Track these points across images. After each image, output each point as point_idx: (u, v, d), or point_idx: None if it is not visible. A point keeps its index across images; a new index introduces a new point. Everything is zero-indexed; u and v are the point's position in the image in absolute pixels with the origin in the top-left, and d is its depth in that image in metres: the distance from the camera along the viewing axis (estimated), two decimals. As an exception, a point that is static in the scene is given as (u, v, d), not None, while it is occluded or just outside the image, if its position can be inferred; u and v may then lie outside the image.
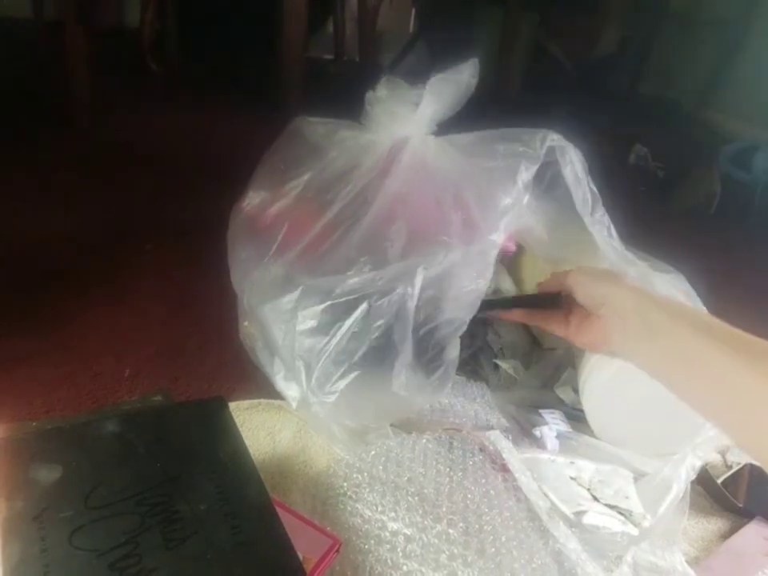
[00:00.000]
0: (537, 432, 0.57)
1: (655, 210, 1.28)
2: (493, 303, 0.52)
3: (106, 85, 1.24)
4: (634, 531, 0.49)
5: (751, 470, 0.58)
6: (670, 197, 1.31)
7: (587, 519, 0.49)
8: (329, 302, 0.47)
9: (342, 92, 1.44)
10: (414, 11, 1.94)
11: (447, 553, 0.45)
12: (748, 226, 1.26)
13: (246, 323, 0.56)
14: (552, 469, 0.53)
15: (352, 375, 0.47)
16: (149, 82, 1.49)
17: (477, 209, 0.51)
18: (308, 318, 0.48)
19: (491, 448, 0.53)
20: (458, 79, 0.52)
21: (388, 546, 0.45)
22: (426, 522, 0.47)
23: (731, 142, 1.45)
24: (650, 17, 1.92)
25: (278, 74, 1.33)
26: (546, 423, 0.58)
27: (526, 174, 0.50)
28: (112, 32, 1.66)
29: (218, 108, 1.43)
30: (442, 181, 0.53)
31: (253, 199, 0.58)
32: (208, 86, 1.58)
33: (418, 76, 0.54)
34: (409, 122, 0.54)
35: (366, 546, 0.45)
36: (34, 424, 0.50)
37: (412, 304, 0.46)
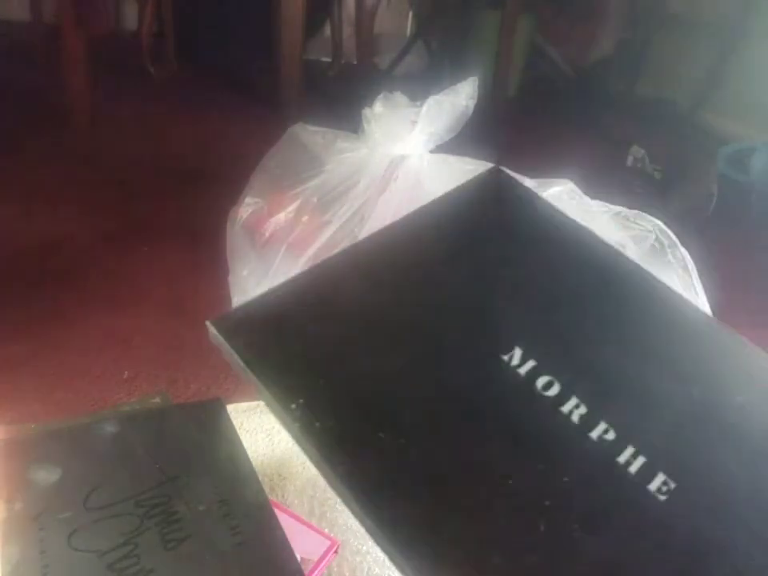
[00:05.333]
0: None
1: (653, 212, 1.29)
2: None
3: (105, 88, 1.24)
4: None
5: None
6: (667, 198, 1.31)
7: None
8: None
9: (340, 94, 1.45)
10: (411, 14, 1.95)
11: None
12: (746, 227, 1.26)
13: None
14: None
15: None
16: (147, 85, 1.49)
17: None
18: None
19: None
20: (456, 101, 0.53)
21: (386, 546, 0.45)
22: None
23: (728, 143, 1.46)
24: (647, 19, 1.92)
25: (276, 76, 1.33)
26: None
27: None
28: (110, 35, 1.66)
29: (216, 110, 1.44)
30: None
31: (250, 207, 0.58)
32: (206, 89, 1.58)
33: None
34: (406, 142, 0.54)
35: (364, 548, 0.45)
36: (32, 426, 0.50)
37: None
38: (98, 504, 0.36)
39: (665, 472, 0.23)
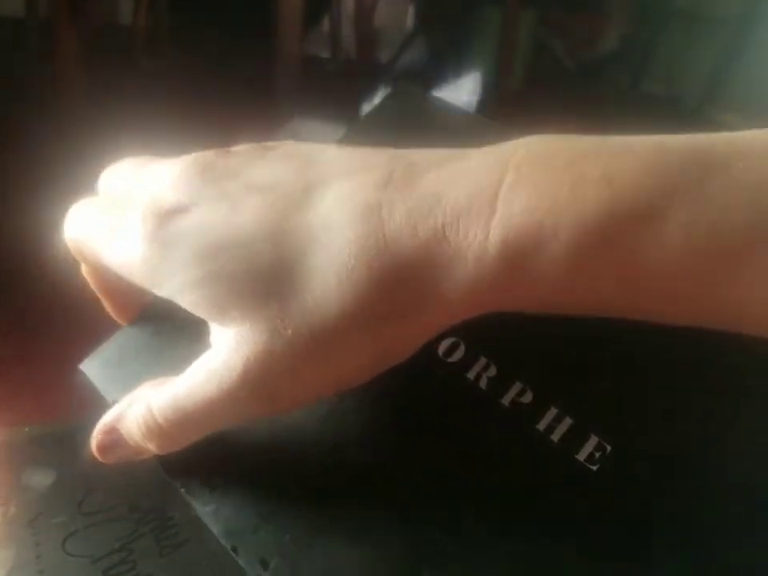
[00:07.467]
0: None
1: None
2: None
3: (99, 81, 1.24)
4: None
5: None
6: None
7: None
8: None
9: (340, 90, 1.44)
10: (411, 8, 1.94)
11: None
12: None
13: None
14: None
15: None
16: (142, 79, 1.48)
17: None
18: None
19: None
20: (458, 97, 0.52)
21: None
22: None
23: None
24: (652, 14, 1.91)
25: (275, 71, 1.32)
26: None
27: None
28: (104, 28, 1.65)
29: (213, 105, 1.43)
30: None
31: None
32: (202, 83, 1.58)
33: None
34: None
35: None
36: (26, 429, 0.50)
37: None
38: (93, 508, 0.36)
39: (597, 433, 0.18)
